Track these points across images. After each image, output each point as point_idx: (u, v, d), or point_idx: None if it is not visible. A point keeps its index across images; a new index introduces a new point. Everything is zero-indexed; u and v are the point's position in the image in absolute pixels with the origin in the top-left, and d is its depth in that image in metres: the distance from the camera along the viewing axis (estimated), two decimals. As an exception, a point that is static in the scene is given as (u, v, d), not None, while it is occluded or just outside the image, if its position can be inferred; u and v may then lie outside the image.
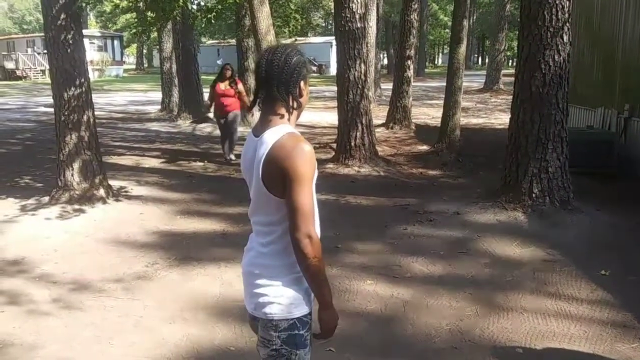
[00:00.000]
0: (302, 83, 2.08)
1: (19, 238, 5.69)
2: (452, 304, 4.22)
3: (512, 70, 7.41)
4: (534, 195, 6.20)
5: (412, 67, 13.95)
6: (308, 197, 1.96)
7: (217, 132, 14.90)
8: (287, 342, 2.03)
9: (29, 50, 41.75)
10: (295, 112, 2.10)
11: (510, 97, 6.84)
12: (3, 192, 7.46)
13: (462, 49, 10.29)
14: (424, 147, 11.06)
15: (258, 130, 2.06)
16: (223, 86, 9.53)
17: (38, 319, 4.01)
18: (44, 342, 3.69)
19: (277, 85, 2.02)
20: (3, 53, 42.45)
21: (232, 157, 9.62)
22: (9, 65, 41.01)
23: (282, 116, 2.05)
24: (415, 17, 13.66)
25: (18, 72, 39.92)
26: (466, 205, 6.56)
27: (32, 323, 3.95)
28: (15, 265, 5.05)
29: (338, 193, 7.44)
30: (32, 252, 5.35)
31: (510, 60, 49.82)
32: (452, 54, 10.43)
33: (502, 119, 15.14)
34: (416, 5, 13.61)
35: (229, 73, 9.58)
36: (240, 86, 9.59)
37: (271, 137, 1.99)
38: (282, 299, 2.04)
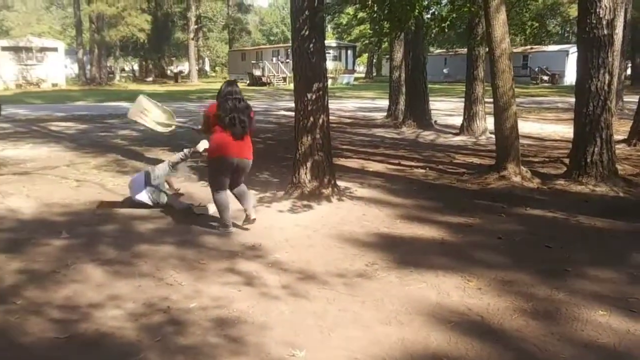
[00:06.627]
0: None
1: (256, 226, 6.27)
2: None
3: None
4: None
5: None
6: None
7: (441, 139, 14.74)
8: None
9: (274, 59, 46.53)
10: None
11: None
12: (246, 184, 8.35)
13: None
14: (678, 169, 9.65)
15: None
16: None
17: (268, 302, 4.37)
18: (273, 324, 3.99)
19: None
20: (252, 62, 47.93)
21: None
22: (257, 72, 46.11)
23: None
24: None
25: (263, 79, 44.65)
26: None
27: (263, 305, 4.31)
28: (252, 250, 5.60)
29: (568, 212, 6.86)
30: (266, 239, 5.88)
31: None
32: None
33: None
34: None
35: None
36: None
37: None
38: None
